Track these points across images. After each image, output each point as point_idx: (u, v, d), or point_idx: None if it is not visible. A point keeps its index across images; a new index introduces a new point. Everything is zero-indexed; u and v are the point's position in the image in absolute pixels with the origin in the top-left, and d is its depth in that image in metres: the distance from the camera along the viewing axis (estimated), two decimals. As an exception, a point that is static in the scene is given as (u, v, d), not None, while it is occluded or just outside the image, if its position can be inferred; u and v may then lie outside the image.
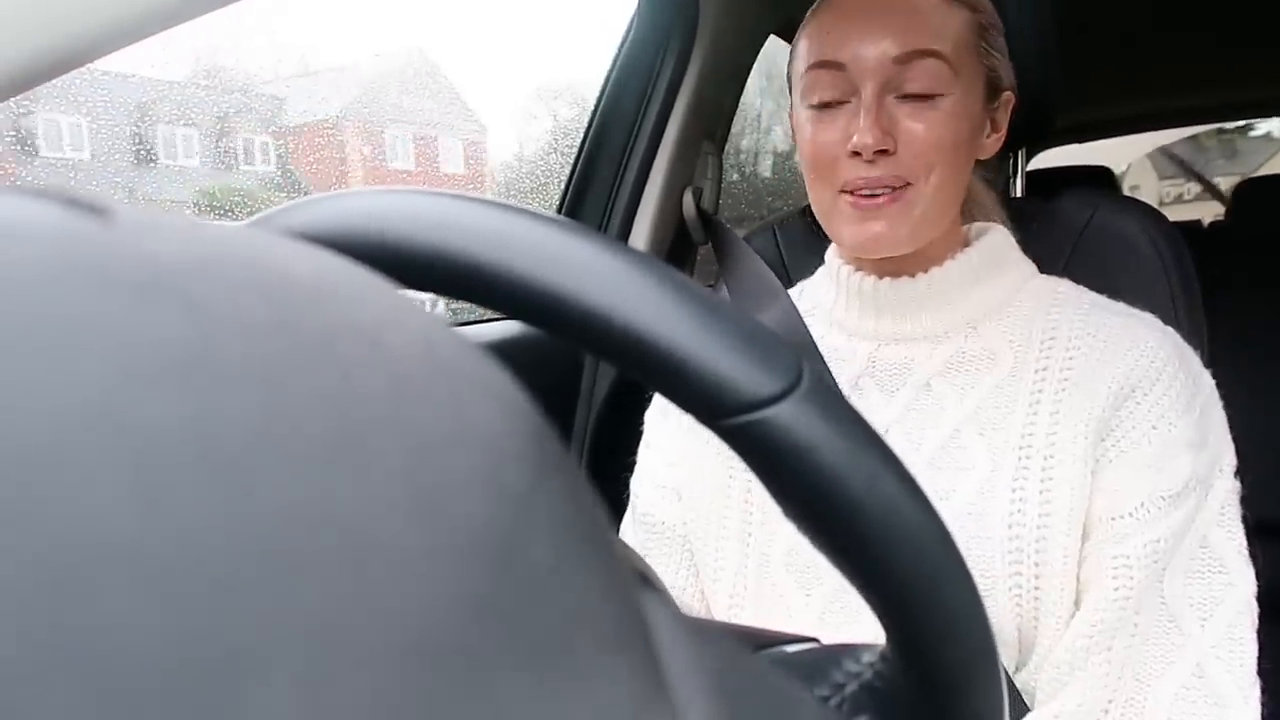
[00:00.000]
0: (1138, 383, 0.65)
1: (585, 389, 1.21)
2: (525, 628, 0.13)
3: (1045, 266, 0.77)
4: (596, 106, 1.26)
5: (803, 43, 0.71)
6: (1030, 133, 0.86)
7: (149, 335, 0.12)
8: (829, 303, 0.77)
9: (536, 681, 0.13)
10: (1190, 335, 0.75)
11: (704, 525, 0.76)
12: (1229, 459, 0.66)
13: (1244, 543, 0.64)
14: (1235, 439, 0.67)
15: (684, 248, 1.28)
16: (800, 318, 0.78)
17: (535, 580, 0.14)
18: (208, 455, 0.11)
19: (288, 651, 0.10)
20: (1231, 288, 1.50)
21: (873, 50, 0.66)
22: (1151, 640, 0.61)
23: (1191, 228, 1.97)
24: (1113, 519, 0.63)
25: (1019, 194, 1.04)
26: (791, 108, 0.75)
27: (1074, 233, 0.91)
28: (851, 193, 0.67)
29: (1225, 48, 1.84)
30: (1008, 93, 0.72)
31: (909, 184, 0.67)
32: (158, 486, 0.10)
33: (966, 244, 0.74)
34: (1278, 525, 1.03)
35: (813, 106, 0.70)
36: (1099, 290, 0.73)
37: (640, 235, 1.25)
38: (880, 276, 0.73)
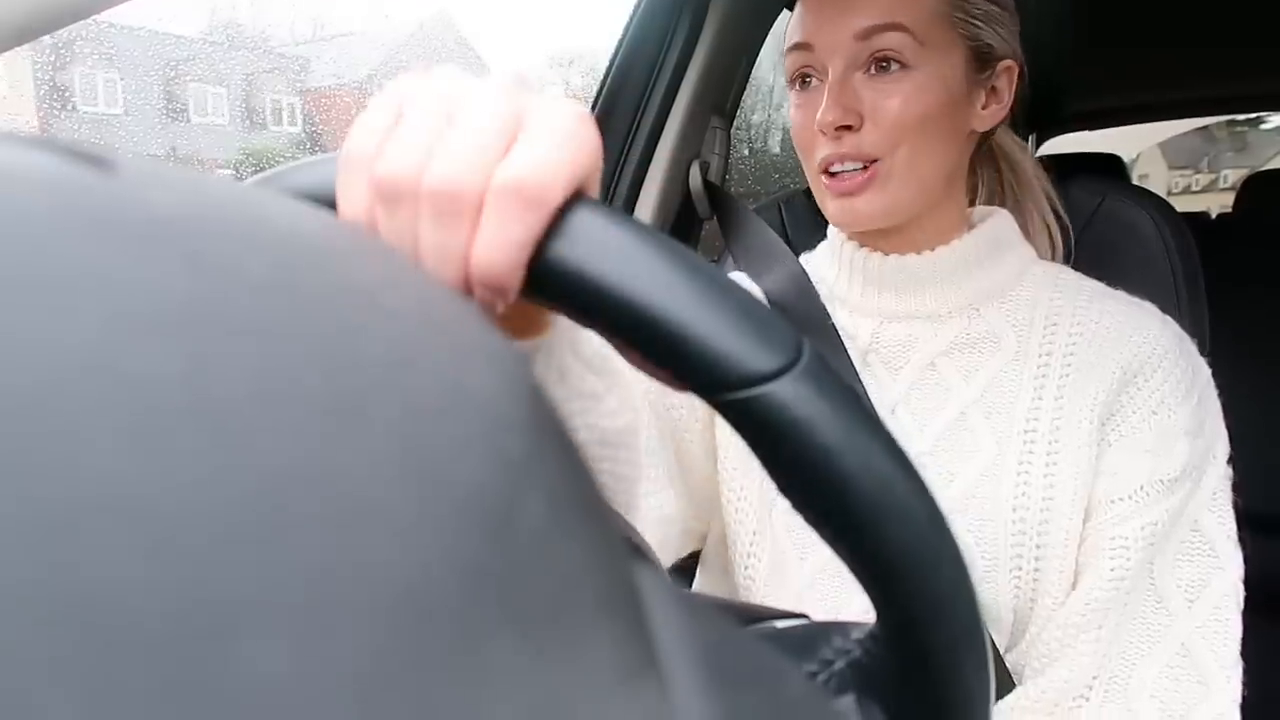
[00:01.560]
0: (1140, 368, 0.66)
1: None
2: (516, 593, 0.13)
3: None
4: (605, 77, 1.25)
5: (788, 27, 0.72)
6: (1042, 118, 0.86)
7: (147, 286, 0.11)
8: (831, 278, 0.78)
9: (525, 647, 0.13)
10: (1193, 326, 0.75)
11: (730, 458, 0.76)
12: (1222, 446, 0.67)
13: (1234, 528, 0.65)
14: (1235, 430, 0.68)
15: (689, 221, 1.28)
16: (810, 282, 0.78)
17: (528, 546, 0.14)
18: (204, 408, 0.11)
19: (280, 605, 0.10)
20: (1236, 280, 1.50)
21: (835, 28, 0.67)
22: (1138, 619, 0.63)
23: (1199, 219, 1.96)
24: (1112, 501, 0.64)
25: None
26: None
27: (1082, 219, 0.91)
28: (827, 172, 0.69)
29: (1240, 40, 1.82)
30: (1007, 61, 0.71)
31: (877, 159, 0.67)
32: (153, 437, 0.10)
33: (971, 226, 0.74)
34: (1277, 517, 1.04)
35: (792, 85, 0.71)
36: (1104, 277, 0.73)
37: (646, 207, 1.24)
38: (885, 253, 0.73)
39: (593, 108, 1.27)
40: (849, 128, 0.67)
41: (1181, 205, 1.04)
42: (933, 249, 0.72)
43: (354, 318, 0.14)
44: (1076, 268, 0.75)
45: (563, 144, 0.27)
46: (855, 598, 0.67)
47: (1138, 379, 0.66)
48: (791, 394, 0.23)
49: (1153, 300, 0.72)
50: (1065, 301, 0.71)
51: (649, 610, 0.18)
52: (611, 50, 1.25)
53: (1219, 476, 0.66)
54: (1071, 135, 2.48)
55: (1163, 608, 0.63)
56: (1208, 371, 0.69)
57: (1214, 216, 2.07)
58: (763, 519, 0.74)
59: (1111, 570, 0.63)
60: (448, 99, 0.28)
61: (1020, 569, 0.66)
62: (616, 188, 1.25)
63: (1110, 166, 2.08)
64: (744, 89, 1.31)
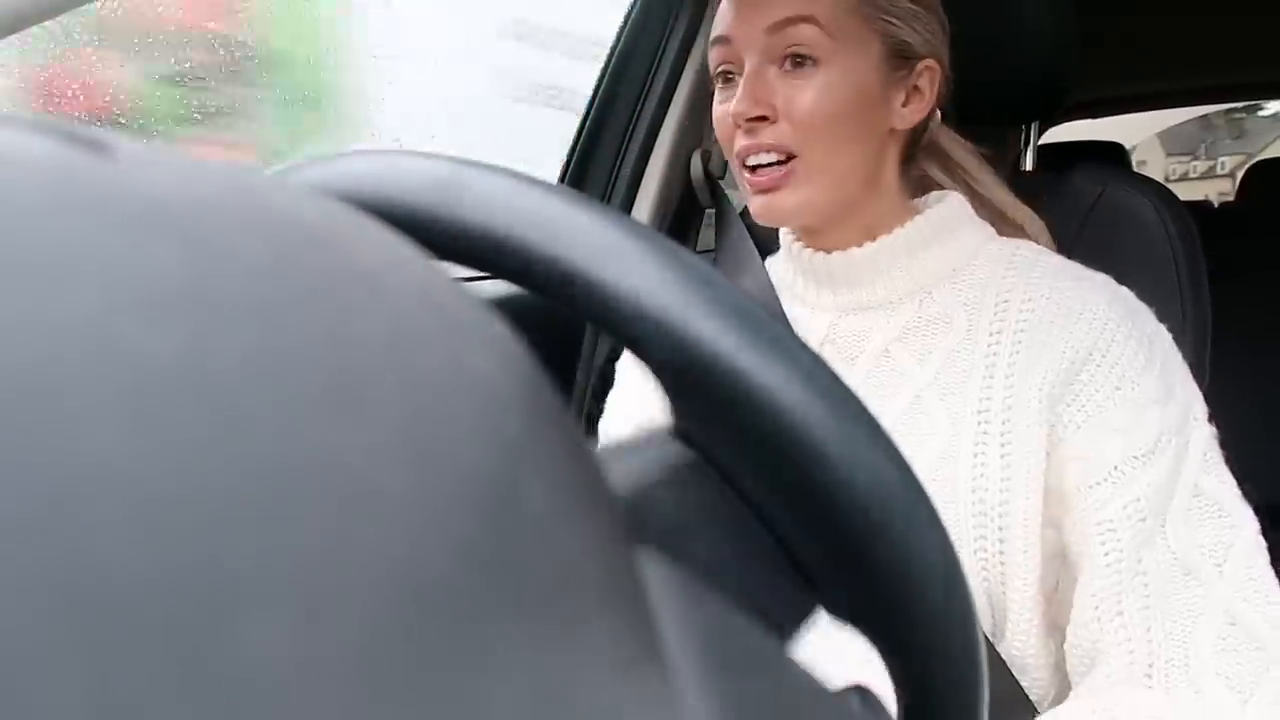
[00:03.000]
0: (1093, 347, 0.65)
1: (586, 352, 1.21)
2: (517, 576, 0.13)
3: (1054, 241, 0.77)
4: (606, 65, 1.25)
5: None
6: (1043, 106, 0.85)
7: (145, 268, 0.11)
8: (790, 278, 0.79)
9: (526, 630, 0.13)
10: (1195, 315, 0.75)
11: None
12: (1199, 407, 0.66)
13: (1235, 486, 0.64)
14: (1237, 418, 0.67)
15: (691, 211, 1.28)
16: (772, 288, 0.80)
17: (529, 530, 0.14)
18: (202, 390, 0.11)
19: (280, 587, 0.10)
20: (1240, 268, 1.50)
21: (749, 22, 0.68)
22: (1172, 597, 0.61)
23: (1202, 207, 1.96)
24: (1090, 486, 0.63)
25: (1029, 167, 1.03)
26: None
27: (1084, 208, 0.90)
28: (747, 168, 0.70)
29: (1242, 27, 1.81)
30: (928, 60, 0.71)
31: (794, 155, 0.68)
32: (151, 419, 0.10)
33: (916, 214, 0.74)
34: (1276, 508, 1.04)
35: (716, 83, 0.73)
36: (1105, 266, 0.73)
37: (646, 197, 1.24)
38: (828, 251, 0.74)
39: (593, 96, 1.27)
40: (763, 119, 0.68)
41: (1180, 192, 1.04)
42: (874, 239, 0.73)
43: (353, 300, 0.14)
44: (1077, 256, 0.74)
45: None
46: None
47: (1093, 357, 0.65)
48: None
49: (1155, 289, 0.71)
50: (1017, 279, 0.71)
51: (650, 596, 0.18)
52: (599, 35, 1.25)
53: (1204, 438, 0.65)
54: (1072, 124, 2.47)
55: (1193, 579, 0.61)
56: (1167, 336, 0.68)
57: (1217, 205, 2.07)
58: None
59: (1105, 555, 0.62)
60: None
61: (985, 551, 0.65)
62: (617, 178, 1.25)
63: (1112, 155, 2.07)
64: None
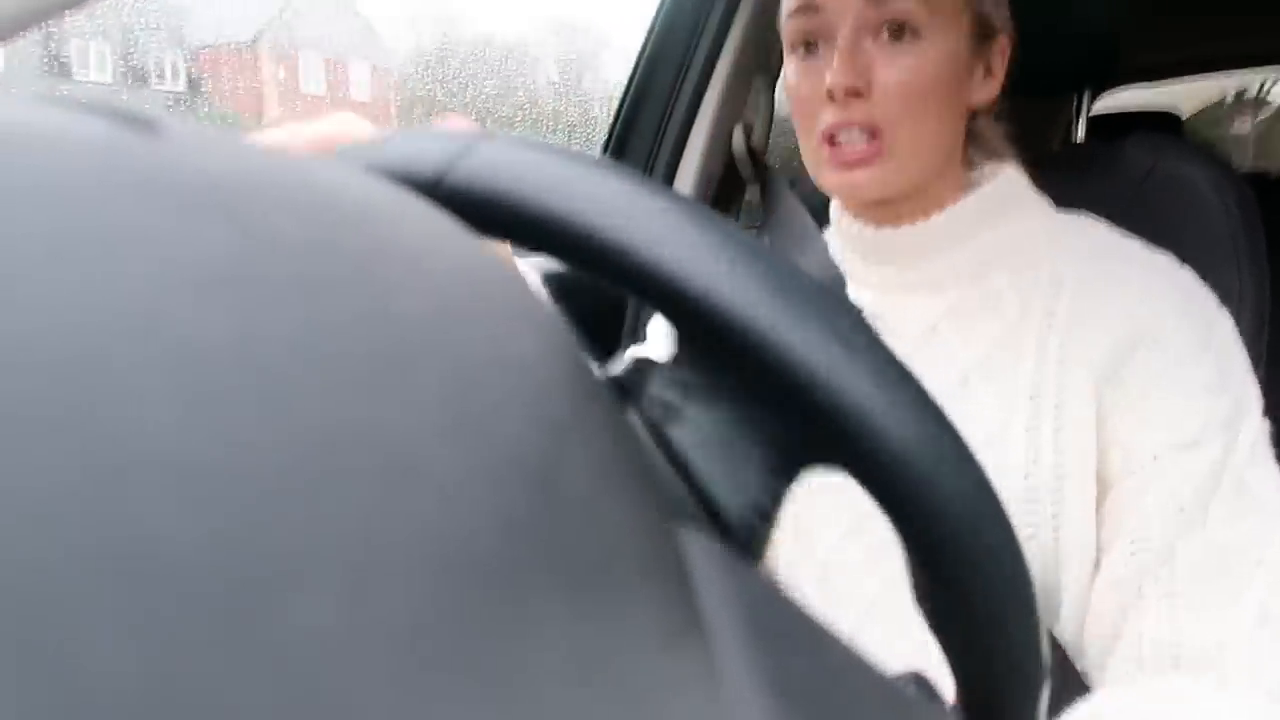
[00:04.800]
0: (1145, 330, 0.64)
1: (629, 326, 1.22)
2: (561, 552, 0.13)
3: (1105, 214, 0.75)
4: (646, 41, 1.24)
5: None
6: (1094, 73, 0.83)
7: (194, 248, 0.12)
8: (837, 251, 0.77)
9: (570, 606, 0.13)
10: (1255, 288, 0.72)
11: None
12: (1254, 397, 0.64)
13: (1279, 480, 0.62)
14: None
15: (733, 187, 1.27)
16: (833, 263, 0.78)
17: (572, 506, 0.14)
18: (251, 369, 0.11)
19: (328, 563, 0.10)
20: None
21: None
22: (1205, 587, 0.59)
23: (1261, 178, 1.90)
24: (1129, 473, 0.62)
25: (1080, 138, 1.01)
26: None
27: (1136, 180, 0.88)
28: (831, 142, 0.67)
29: None
30: (1003, 37, 0.70)
31: (882, 130, 0.66)
32: (201, 397, 0.10)
33: (972, 187, 0.72)
34: None
35: (794, 53, 0.70)
36: (1158, 239, 0.71)
37: (688, 172, 1.23)
38: (879, 225, 0.72)
39: (633, 72, 1.26)
40: (858, 94, 0.65)
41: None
42: (927, 216, 0.71)
43: (398, 278, 0.14)
44: (1130, 228, 0.72)
45: None
46: (884, 563, 0.67)
47: (1144, 341, 0.63)
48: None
49: (1212, 263, 0.69)
50: (1072, 258, 0.69)
51: (693, 571, 0.18)
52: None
53: (1255, 429, 0.63)
54: (1125, 94, 2.40)
55: (1229, 572, 0.59)
56: (1228, 322, 0.66)
57: (1275, 176, 2.00)
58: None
59: (1132, 544, 0.61)
60: None
61: (1037, 538, 0.64)
62: (658, 154, 1.24)
63: (1167, 125, 2.01)
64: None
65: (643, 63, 1.24)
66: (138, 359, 0.10)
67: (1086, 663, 0.64)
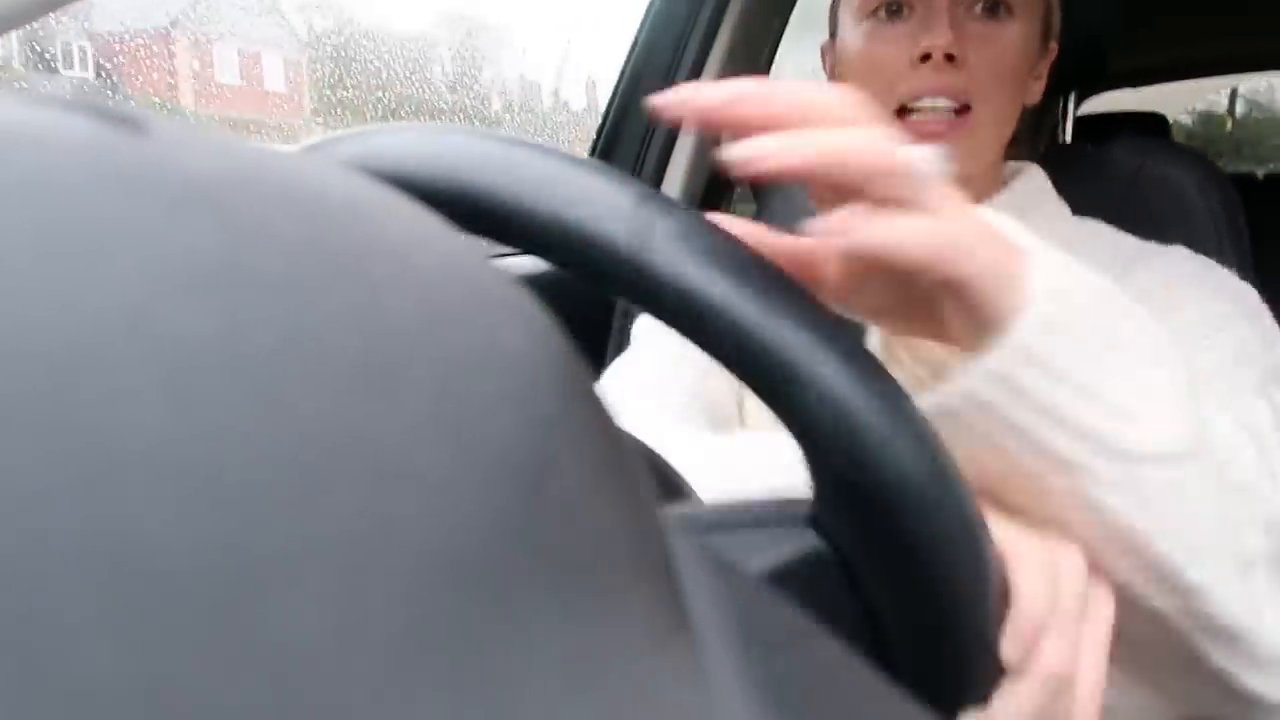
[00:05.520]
0: (1156, 294, 0.61)
1: (616, 328, 1.21)
2: (549, 552, 0.13)
3: (1094, 214, 0.75)
4: (635, 39, 1.24)
5: None
6: (1081, 74, 0.83)
7: (181, 246, 0.11)
8: None
9: (561, 606, 0.13)
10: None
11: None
12: None
13: None
14: None
15: (720, 189, 1.27)
16: None
17: (562, 505, 0.14)
18: (238, 367, 0.11)
19: (315, 563, 0.10)
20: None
21: None
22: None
23: (1246, 180, 1.91)
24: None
25: (1067, 139, 1.01)
26: (832, 35, 0.73)
27: (1123, 181, 0.89)
28: (909, 112, 0.64)
29: None
30: (1054, 43, 0.70)
31: (969, 108, 0.64)
32: (188, 395, 0.10)
33: (1003, 183, 0.72)
34: None
35: (872, 17, 0.66)
36: (1147, 240, 0.71)
37: (676, 174, 1.23)
38: None
39: (621, 72, 1.26)
40: (954, 60, 0.62)
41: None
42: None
43: (386, 277, 0.14)
44: (1118, 228, 0.72)
45: None
46: None
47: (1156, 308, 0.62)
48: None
49: None
50: (1094, 260, 0.67)
51: (681, 572, 0.18)
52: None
53: None
54: (1112, 95, 2.41)
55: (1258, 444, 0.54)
56: (1257, 299, 0.63)
57: (1261, 177, 2.02)
58: None
59: None
60: None
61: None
62: (645, 156, 1.24)
63: (1154, 126, 2.02)
64: (777, 48, 1.29)
65: (632, 61, 1.24)
66: (124, 357, 0.10)
67: None
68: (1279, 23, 1.94)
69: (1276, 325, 0.64)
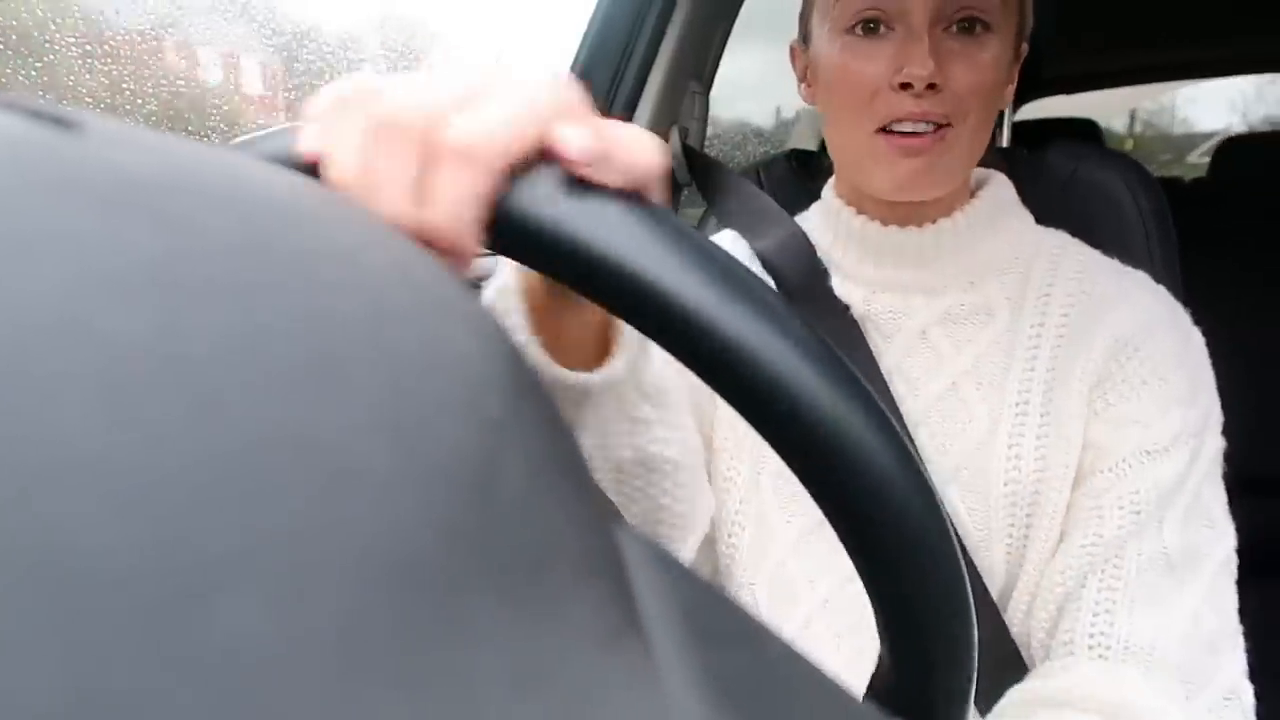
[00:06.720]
0: (1129, 338, 0.65)
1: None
2: (497, 553, 0.13)
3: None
4: (581, 44, 1.24)
5: None
6: (1019, 82, 0.85)
7: (116, 247, 0.11)
8: (826, 243, 0.75)
9: (508, 607, 0.13)
10: (1167, 288, 0.75)
11: (723, 431, 0.75)
12: (1217, 415, 0.67)
13: (1225, 499, 0.65)
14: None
15: (669, 188, 1.27)
16: (810, 244, 0.75)
17: (509, 506, 0.14)
18: (176, 369, 0.10)
19: (257, 568, 0.10)
20: (1211, 245, 1.51)
21: None
22: (1150, 588, 0.61)
23: (1174, 184, 1.97)
24: (1098, 472, 0.64)
25: (1005, 144, 1.04)
26: (805, 39, 0.72)
27: (1058, 185, 0.91)
28: (890, 131, 0.64)
29: (1222, 1, 1.81)
30: (1025, 45, 0.71)
31: (950, 125, 0.64)
32: (124, 398, 0.10)
33: (971, 193, 0.73)
34: (1256, 481, 1.05)
35: (850, 33, 0.66)
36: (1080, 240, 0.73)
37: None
38: (884, 223, 0.71)
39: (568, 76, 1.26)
40: (934, 86, 0.62)
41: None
42: (934, 221, 0.70)
43: (330, 278, 0.14)
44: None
45: (514, 106, 0.28)
46: (840, 559, 0.67)
47: (1127, 349, 0.65)
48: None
49: (1127, 263, 0.72)
50: (1060, 270, 0.70)
51: (631, 571, 0.19)
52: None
53: (1216, 448, 0.66)
54: (1047, 101, 2.48)
55: (1174, 576, 0.62)
56: (1200, 341, 0.68)
57: (1189, 181, 2.09)
58: (750, 489, 0.73)
59: (1084, 538, 0.63)
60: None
61: (1012, 536, 0.66)
62: (594, 155, 1.24)
63: (1087, 132, 2.08)
64: (722, 53, 1.30)
65: (578, 66, 1.24)
66: (57, 362, 0.10)
67: (1031, 649, 0.66)
68: (1211, 33, 2.01)
69: (1208, 367, 0.68)
